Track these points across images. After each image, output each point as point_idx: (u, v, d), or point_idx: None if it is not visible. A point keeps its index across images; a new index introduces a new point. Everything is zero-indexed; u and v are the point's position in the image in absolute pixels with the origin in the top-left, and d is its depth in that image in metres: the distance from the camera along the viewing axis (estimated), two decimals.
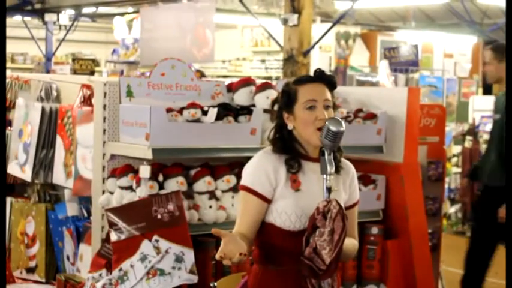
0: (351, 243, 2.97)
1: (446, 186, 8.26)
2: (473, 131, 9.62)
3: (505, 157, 4.95)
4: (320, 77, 2.97)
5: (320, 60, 12.21)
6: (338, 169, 2.95)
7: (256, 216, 2.91)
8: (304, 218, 2.87)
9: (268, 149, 2.98)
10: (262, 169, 2.91)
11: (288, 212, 2.89)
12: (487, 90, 15.90)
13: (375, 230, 4.23)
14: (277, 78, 11.88)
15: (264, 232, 2.92)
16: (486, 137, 9.48)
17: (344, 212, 2.83)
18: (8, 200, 4.78)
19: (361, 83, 9.63)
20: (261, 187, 2.89)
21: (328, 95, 2.95)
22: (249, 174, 2.94)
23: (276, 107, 3.04)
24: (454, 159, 9.93)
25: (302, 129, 2.93)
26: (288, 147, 2.95)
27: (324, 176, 2.85)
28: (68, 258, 4.27)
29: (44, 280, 4.45)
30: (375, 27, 15.23)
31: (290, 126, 2.96)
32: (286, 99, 2.96)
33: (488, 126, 9.50)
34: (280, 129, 2.99)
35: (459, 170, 9.80)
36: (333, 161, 2.87)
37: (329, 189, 2.84)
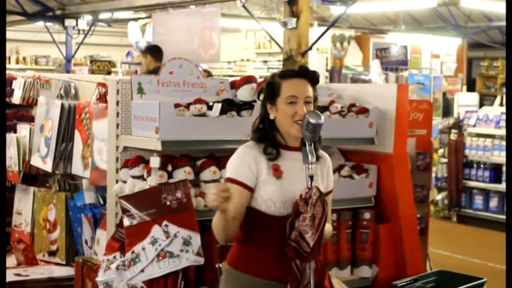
0: (327, 227, 2.92)
1: (433, 175, 8.25)
2: (458, 125, 9.60)
3: None
4: (304, 73, 2.94)
5: (317, 60, 12.16)
6: (318, 158, 2.92)
7: (242, 204, 2.88)
8: (288, 204, 2.85)
9: (249, 143, 2.96)
10: (245, 161, 2.89)
11: (273, 199, 2.87)
12: (471, 87, 15.87)
13: (367, 215, 4.21)
14: None
15: (250, 217, 2.90)
16: (470, 130, 9.49)
17: (324, 198, 2.82)
18: (31, 189, 4.78)
19: (355, 81, 9.60)
20: (244, 177, 2.87)
21: (310, 91, 2.91)
22: (233, 167, 2.92)
23: (261, 97, 3.01)
24: (441, 151, 9.91)
25: (282, 121, 2.91)
26: (267, 136, 2.94)
27: (306, 165, 2.83)
28: (86, 242, 4.26)
29: (64, 262, 4.45)
30: (368, 30, 15.20)
31: (272, 116, 2.94)
32: (270, 92, 2.94)
33: (472, 121, 9.50)
34: (263, 119, 2.97)
35: (445, 160, 9.79)
36: (313, 151, 2.84)
37: (311, 177, 2.82)
